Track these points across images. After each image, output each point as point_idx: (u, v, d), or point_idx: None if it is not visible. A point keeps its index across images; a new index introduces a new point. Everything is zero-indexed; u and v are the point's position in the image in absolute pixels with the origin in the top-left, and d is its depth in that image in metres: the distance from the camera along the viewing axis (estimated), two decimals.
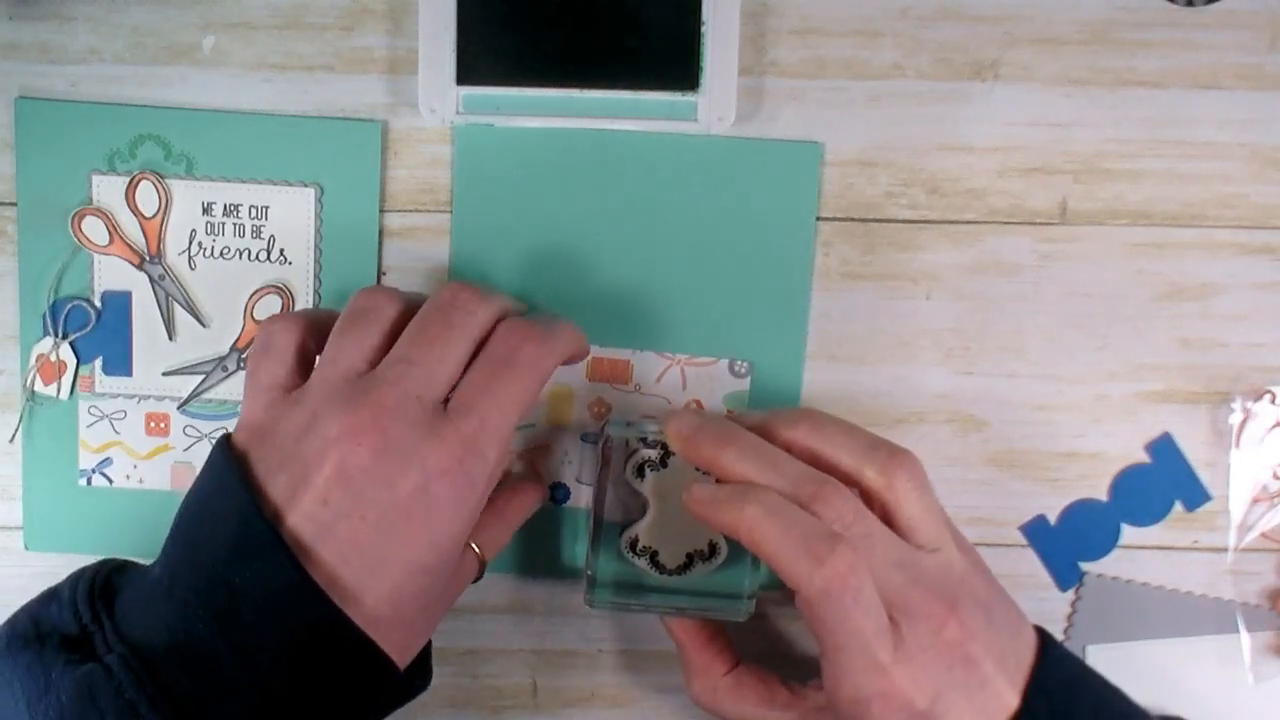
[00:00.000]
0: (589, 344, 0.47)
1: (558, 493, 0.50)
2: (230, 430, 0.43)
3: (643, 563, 0.47)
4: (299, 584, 0.38)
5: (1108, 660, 0.51)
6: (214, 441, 0.42)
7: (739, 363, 0.49)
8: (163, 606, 0.39)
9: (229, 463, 0.40)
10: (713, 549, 0.47)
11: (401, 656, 0.41)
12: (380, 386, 0.40)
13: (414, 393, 0.40)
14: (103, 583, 0.41)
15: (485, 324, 0.42)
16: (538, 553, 0.51)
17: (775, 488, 0.42)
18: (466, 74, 0.46)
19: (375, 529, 0.39)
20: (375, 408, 0.39)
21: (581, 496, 0.50)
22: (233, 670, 0.38)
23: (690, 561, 0.47)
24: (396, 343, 0.42)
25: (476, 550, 0.44)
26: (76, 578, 0.41)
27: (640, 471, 0.47)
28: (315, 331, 0.43)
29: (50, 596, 0.41)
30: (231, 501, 0.39)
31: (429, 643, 0.44)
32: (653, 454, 0.46)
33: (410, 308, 0.43)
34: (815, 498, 0.41)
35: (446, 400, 0.41)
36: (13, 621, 0.41)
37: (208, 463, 0.41)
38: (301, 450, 0.40)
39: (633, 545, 0.47)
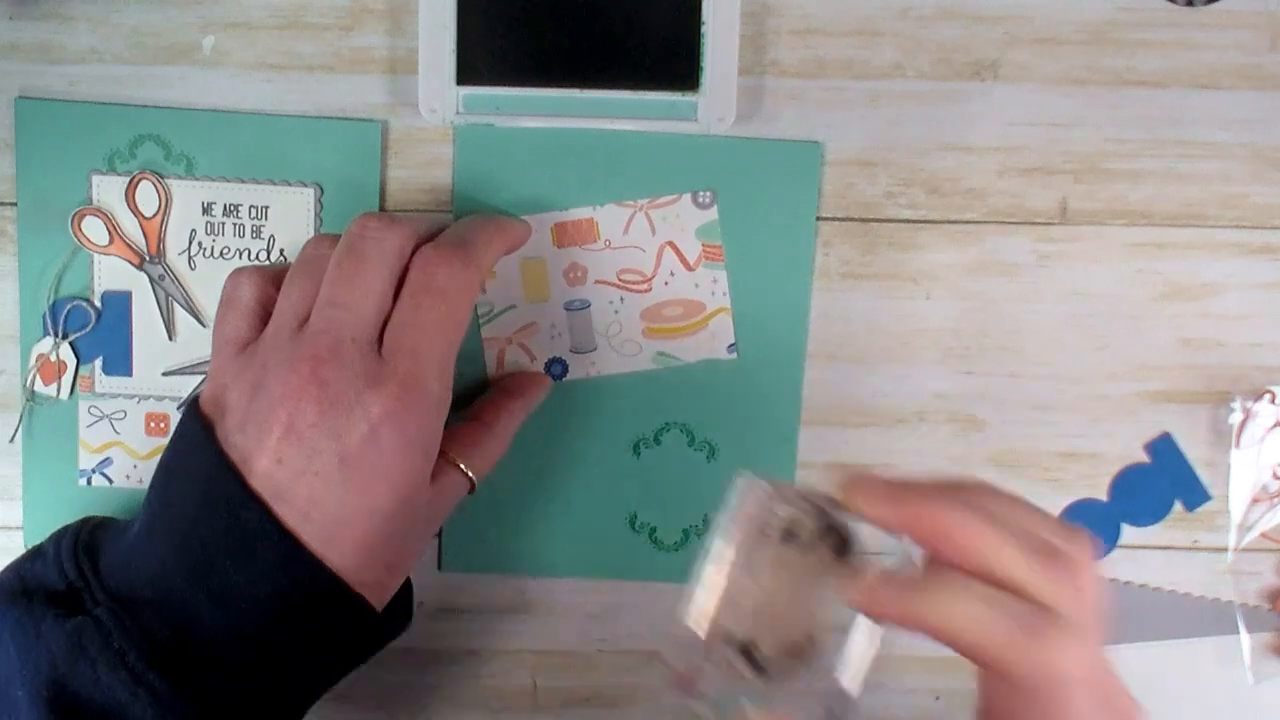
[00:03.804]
0: (526, 227, 0.47)
1: (554, 368, 0.49)
2: (195, 392, 0.44)
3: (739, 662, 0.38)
4: (268, 532, 0.39)
5: None
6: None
7: (701, 194, 0.48)
8: (143, 562, 0.40)
9: (196, 420, 0.41)
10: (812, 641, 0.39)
11: (379, 596, 0.42)
12: (314, 338, 0.40)
13: (346, 336, 0.40)
14: (86, 539, 0.42)
15: (399, 249, 0.42)
16: (540, 553, 0.51)
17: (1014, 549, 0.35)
18: (466, 74, 0.46)
19: (331, 483, 0.40)
20: (313, 360, 0.40)
21: (580, 366, 0.49)
22: (213, 621, 0.39)
23: (791, 655, 0.38)
24: (320, 287, 0.42)
25: (463, 469, 0.45)
26: (60, 535, 0.42)
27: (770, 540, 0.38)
28: (279, 284, 0.44)
29: (35, 554, 0.42)
30: (200, 457, 0.41)
31: (409, 582, 0.45)
32: (801, 519, 0.38)
33: None
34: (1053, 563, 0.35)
35: (383, 334, 0.41)
36: None
37: (179, 422, 0.43)
38: (254, 410, 0.40)
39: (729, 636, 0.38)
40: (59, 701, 0.38)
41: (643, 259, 0.49)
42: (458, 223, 0.46)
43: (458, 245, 0.43)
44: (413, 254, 0.42)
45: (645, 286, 0.49)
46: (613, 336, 0.49)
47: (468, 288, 0.43)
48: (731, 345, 0.49)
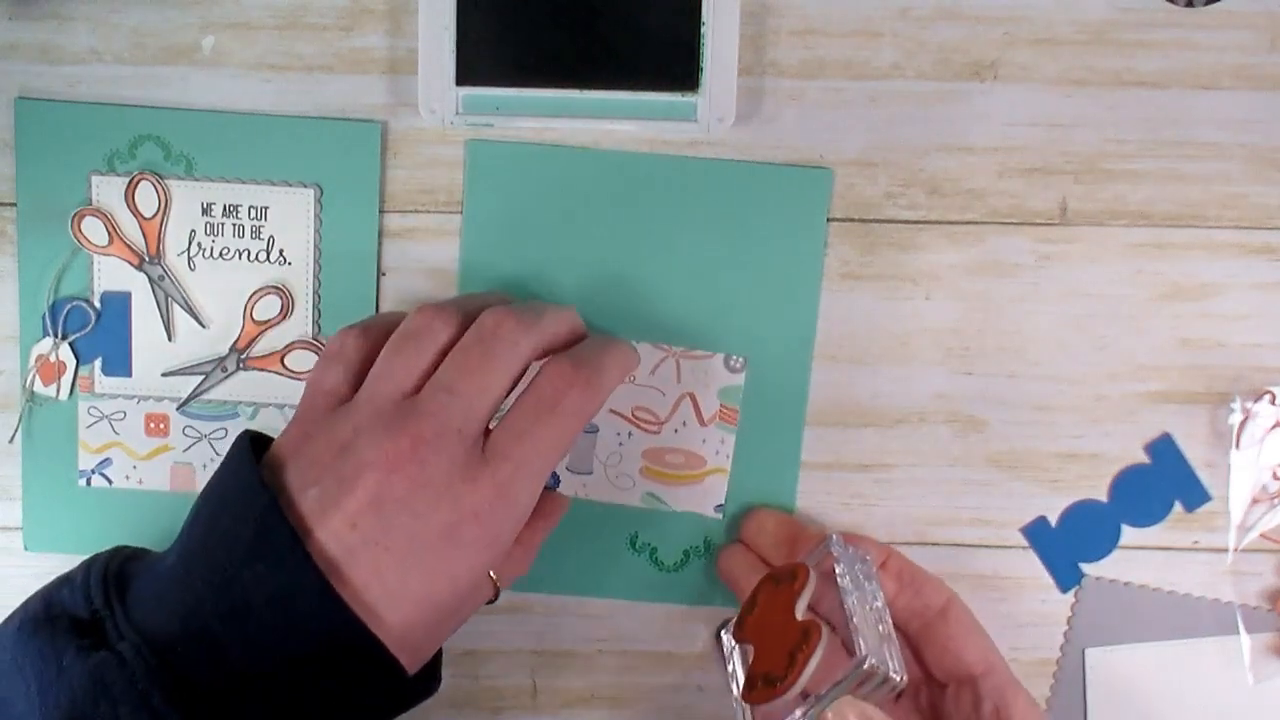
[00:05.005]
0: (638, 358, 0.47)
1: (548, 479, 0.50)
2: (245, 429, 0.43)
3: None
4: (318, 591, 0.38)
5: (1108, 662, 0.51)
6: (217, 442, 0.42)
7: (734, 358, 0.49)
8: (175, 597, 0.39)
9: (248, 461, 0.40)
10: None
11: (411, 665, 0.41)
12: (421, 417, 0.40)
13: (454, 425, 0.40)
14: (116, 569, 0.41)
15: (528, 356, 0.42)
16: (539, 571, 0.50)
17: None
18: (466, 74, 0.46)
19: (399, 561, 0.39)
20: (415, 439, 0.40)
21: (571, 485, 0.50)
22: (242, 666, 0.38)
23: None
24: (440, 367, 0.42)
25: (493, 578, 0.44)
26: (90, 563, 0.41)
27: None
28: (382, 344, 0.43)
29: (64, 581, 0.41)
30: (252, 501, 0.39)
31: (439, 650, 0.44)
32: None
33: (465, 328, 0.43)
34: None
35: (487, 429, 0.41)
36: (26, 604, 0.41)
37: (228, 457, 0.41)
38: (338, 468, 0.40)
39: None
40: None
41: (661, 402, 0.49)
42: (590, 341, 0.45)
43: (591, 370, 0.42)
44: (540, 353, 0.42)
45: (655, 428, 0.49)
46: (610, 466, 0.50)
47: (588, 415, 0.42)
48: (719, 506, 0.50)
